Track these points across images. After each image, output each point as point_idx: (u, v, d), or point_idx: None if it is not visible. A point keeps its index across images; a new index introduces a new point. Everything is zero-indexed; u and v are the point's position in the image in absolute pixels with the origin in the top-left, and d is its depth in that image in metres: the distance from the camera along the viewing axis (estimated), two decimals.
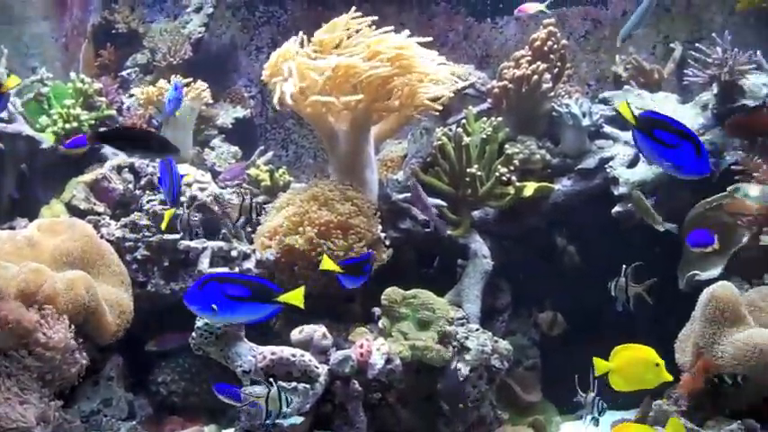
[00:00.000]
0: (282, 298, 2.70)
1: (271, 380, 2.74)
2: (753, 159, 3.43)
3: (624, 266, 3.00)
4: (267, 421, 2.64)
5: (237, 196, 3.37)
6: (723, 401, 2.89)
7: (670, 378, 2.61)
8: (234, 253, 3.48)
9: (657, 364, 2.59)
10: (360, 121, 3.50)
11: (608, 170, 3.90)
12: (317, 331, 3.00)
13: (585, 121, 4.01)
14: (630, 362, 2.64)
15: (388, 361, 2.99)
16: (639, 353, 2.64)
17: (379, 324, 3.23)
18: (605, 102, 4.27)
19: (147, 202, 3.71)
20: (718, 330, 2.78)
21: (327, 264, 2.87)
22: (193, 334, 2.87)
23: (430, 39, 3.58)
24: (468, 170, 3.72)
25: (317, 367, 2.86)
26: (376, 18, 3.54)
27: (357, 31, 3.53)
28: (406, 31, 3.54)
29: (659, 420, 2.91)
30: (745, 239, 3.38)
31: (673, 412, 2.92)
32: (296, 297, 2.71)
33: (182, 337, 3.29)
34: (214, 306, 2.60)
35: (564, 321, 4.07)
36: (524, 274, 4.13)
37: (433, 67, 3.48)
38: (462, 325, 3.32)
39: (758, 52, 3.69)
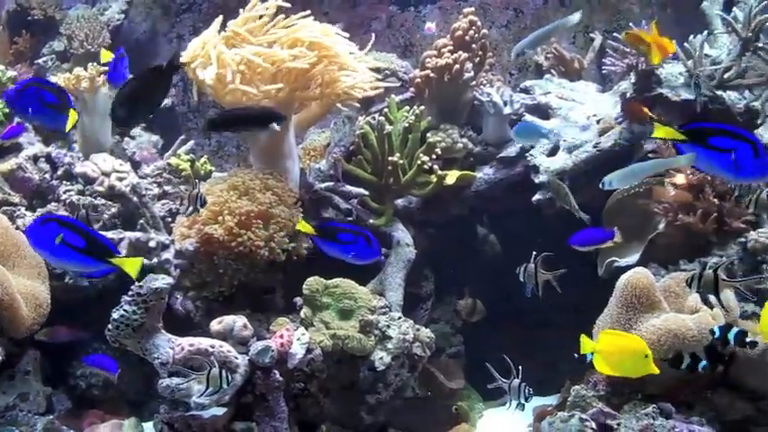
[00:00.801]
0: (117, 260, 2.65)
1: (212, 359, 2.77)
2: (669, 147, 3.48)
3: (534, 253, 3.02)
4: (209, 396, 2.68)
5: (187, 186, 3.31)
6: (640, 385, 2.93)
7: (656, 371, 2.61)
8: (152, 243, 3.43)
9: (647, 356, 2.58)
10: (281, 108, 3.47)
11: (528, 158, 3.93)
12: (237, 322, 2.96)
13: (507, 110, 4.04)
14: (619, 348, 2.64)
15: (309, 351, 2.98)
16: (629, 341, 2.64)
17: (301, 314, 3.21)
18: (527, 91, 4.30)
19: (65, 192, 3.63)
20: (634, 316, 2.82)
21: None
22: (109, 326, 2.82)
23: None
24: (390, 159, 3.72)
25: (236, 358, 2.83)
26: (289, 6, 3.50)
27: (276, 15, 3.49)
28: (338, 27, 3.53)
29: (578, 405, 2.93)
30: (661, 226, 3.43)
31: (591, 397, 2.95)
32: (131, 265, 2.66)
33: (71, 334, 3.26)
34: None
35: (483, 308, 4.09)
36: (448, 261, 4.15)
37: (351, 56, 3.46)
38: (384, 314, 3.32)
39: (674, 41, 3.75)
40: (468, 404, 3.92)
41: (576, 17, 3.43)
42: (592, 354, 2.70)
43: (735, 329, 2.68)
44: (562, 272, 3.09)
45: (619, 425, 2.75)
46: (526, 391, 2.83)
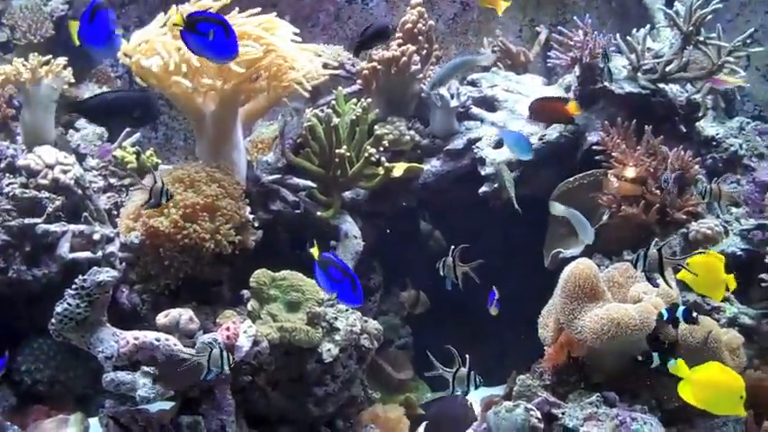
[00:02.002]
0: None
1: (212, 340, 2.81)
2: (613, 139, 3.53)
3: (452, 247, 3.03)
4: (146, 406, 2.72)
5: (149, 179, 3.26)
6: (584, 375, 2.98)
7: (744, 414, 2.61)
8: (96, 236, 3.38)
9: (741, 397, 2.53)
10: (227, 101, 3.45)
11: (475, 151, 3.96)
12: (184, 315, 2.94)
13: (454, 103, 4.06)
14: (715, 383, 2.55)
15: (256, 343, 2.96)
16: (729, 378, 2.56)
17: (248, 306, 3.19)
18: (474, 83, 4.33)
19: (8, 185, 3.57)
20: (578, 306, 2.85)
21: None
22: (53, 320, 2.79)
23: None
24: (337, 151, 3.71)
25: (182, 351, 2.82)
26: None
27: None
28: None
29: (523, 394, 2.97)
30: (605, 217, 3.48)
31: (537, 386, 2.98)
32: None
33: None
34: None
35: (427, 300, 4.11)
36: (395, 253, 4.17)
37: (297, 50, 3.44)
38: (332, 306, 3.32)
39: (617, 35, 3.80)
40: (418, 395, 3.94)
41: (487, 58, 3.51)
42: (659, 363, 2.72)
43: (681, 308, 2.73)
44: (479, 262, 3.10)
45: (563, 414, 2.79)
46: (476, 379, 2.84)
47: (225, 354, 2.71)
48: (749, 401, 3.01)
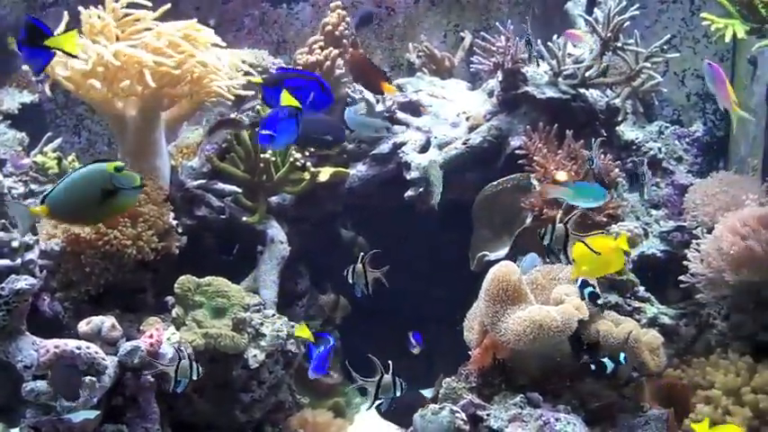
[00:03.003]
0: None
1: (181, 348, 2.82)
2: (535, 144, 3.57)
3: (362, 254, 3.03)
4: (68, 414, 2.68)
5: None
6: (509, 376, 3.00)
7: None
8: (15, 243, 3.31)
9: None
10: (149, 106, 3.41)
11: (401, 155, 3.98)
12: (106, 322, 2.90)
13: (379, 107, 4.07)
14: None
15: (180, 350, 2.94)
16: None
17: (173, 313, 3.16)
18: (399, 88, 4.34)
19: None
20: (502, 308, 2.87)
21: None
22: None
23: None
24: (262, 156, 3.70)
25: (104, 359, 2.77)
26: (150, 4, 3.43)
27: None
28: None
29: (449, 397, 2.98)
30: (528, 221, 3.52)
31: (462, 389, 3.00)
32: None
33: None
34: None
35: (348, 304, 4.12)
36: (321, 258, 4.16)
37: (217, 58, 3.41)
38: (258, 311, 3.31)
39: (539, 41, 3.85)
40: (346, 399, 3.94)
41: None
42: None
43: (589, 288, 2.79)
44: (387, 268, 3.11)
45: (488, 415, 2.81)
46: (402, 385, 2.84)
47: (194, 364, 2.73)
48: (669, 400, 3.10)
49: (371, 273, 3.02)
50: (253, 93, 3.69)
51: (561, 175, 3.45)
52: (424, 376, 3.82)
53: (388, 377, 2.75)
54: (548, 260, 3.14)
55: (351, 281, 3.06)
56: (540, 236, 2.74)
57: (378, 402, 2.83)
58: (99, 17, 3.31)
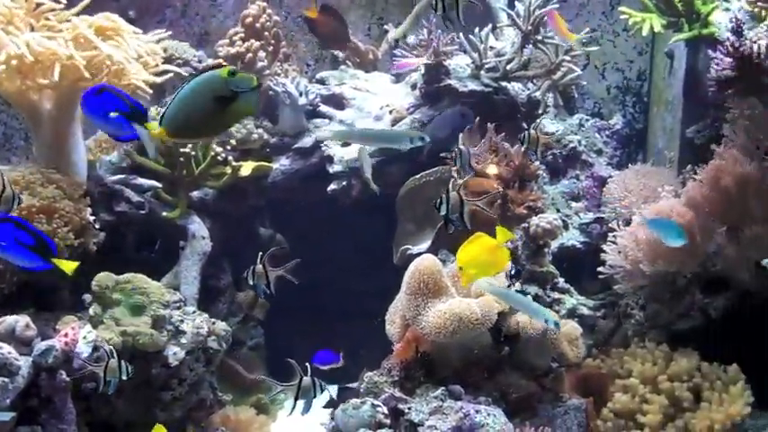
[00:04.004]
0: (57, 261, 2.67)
1: (112, 349, 2.78)
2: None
3: (261, 253, 3.01)
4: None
5: None
6: (431, 369, 3.02)
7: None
8: None
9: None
10: (65, 99, 3.33)
11: (323, 149, 3.97)
12: (20, 321, 2.82)
13: (302, 101, 4.05)
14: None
15: (96, 349, 2.88)
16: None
17: (90, 311, 3.10)
18: (322, 81, 4.34)
19: None
20: (422, 302, 2.88)
21: None
22: None
23: None
24: (182, 150, 3.65)
25: (16, 360, 2.70)
26: None
27: None
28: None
29: (371, 391, 2.99)
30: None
31: (384, 382, 3.00)
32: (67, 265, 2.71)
33: None
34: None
35: (266, 302, 4.09)
36: (244, 253, 4.13)
37: (135, 50, 3.35)
38: (179, 308, 3.26)
39: (461, 34, 3.87)
40: (270, 396, 3.92)
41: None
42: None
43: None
44: (296, 262, 3.08)
45: (410, 409, 2.82)
46: (321, 386, 2.82)
47: (123, 363, 2.69)
48: (588, 390, 3.15)
49: (273, 271, 2.98)
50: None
51: (492, 169, 3.46)
52: (349, 370, 3.81)
53: (307, 379, 2.72)
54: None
55: (251, 282, 3.01)
56: (436, 207, 2.71)
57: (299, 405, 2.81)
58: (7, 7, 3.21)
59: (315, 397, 2.77)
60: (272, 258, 2.95)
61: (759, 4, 2.97)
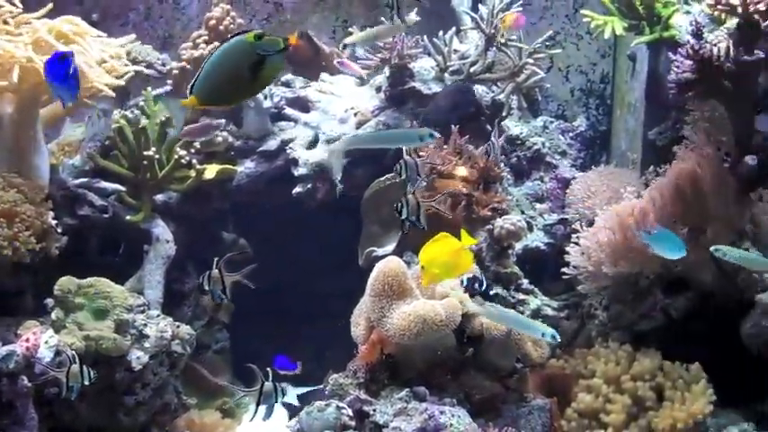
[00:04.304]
0: None
1: (73, 353, 2.73)
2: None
3: (216, 258, 3.00)
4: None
5: None
6: (396, 371, 3.02)
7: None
8: None
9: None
10: (26, 102, 3.30)
11: (288, 152, 3.96)
12: None
13: (267, 103, 4.05)
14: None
15: (58, 353, 2.86)
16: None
17: (52, 316, 3.07)
18: (287, 84, 4.33)
19: None
20: (387, 303, 2.88)
21: None
22: None
23: None
24: (146, 153, 3.63)
25: None
26: None
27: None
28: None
29: (336, 393, 2.98)
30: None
31: (349, 384, 3.00)
32: None
33: None
34: None
35: (231, 304, 4.08)
36: (209, 256, 4.11)
37: (98, 53, 3.33)
38: (142, 312, 3.24)
39: (425, 37, 3.88)
40: (235, 400, 3.91)
41: None
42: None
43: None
44: (252, 267, 3.07)
45: (375, 410, 2.82)
46: (283, 390, 2.81)
47: (85, 368, 2.67)
48: (552, 390, 3.17)
49: (229, 277, 2.97)
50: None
51: (461, 171, 3.47)
52: (315, 372, 3.82)
53: (269, 384, 2.72)
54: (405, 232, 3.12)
55: (207, 287, 3.00)
56: (397, 211, 2.79)
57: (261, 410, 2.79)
58: None
59: (276, 402, 2.76)
60: (230, 263, 2.94)
61: (719, 7, 2.99)
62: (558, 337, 2.72)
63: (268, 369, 2.75)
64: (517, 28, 3.71)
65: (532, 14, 4.82)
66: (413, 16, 3.64)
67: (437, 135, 2.80)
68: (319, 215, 3.98)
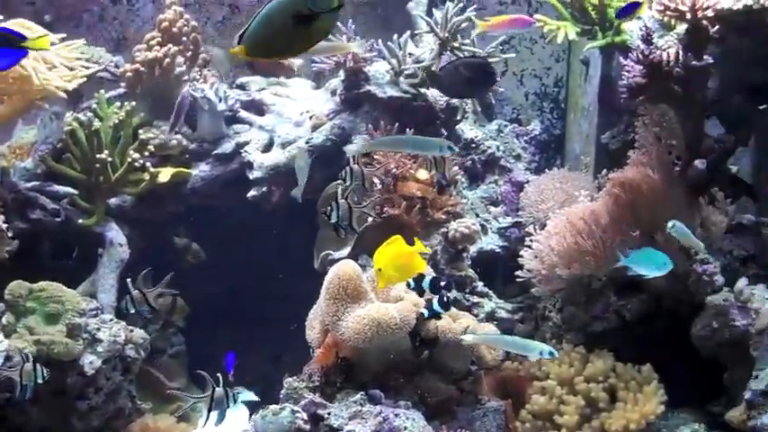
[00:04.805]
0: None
1: (27, 353, 2.73)
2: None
3: (128, 279, 2.99)
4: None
5: None
6: (351, 374, 3.02)
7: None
8: None
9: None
10: None
11: (243, 155, 3.95)
12: None
13: (221, 106, 4.02)
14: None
15: (8, 358, 2.83)
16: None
17: (3, 320, 3.04)
18: (242, 87, 4.31)
19: None
20: (342, 307, 2.88)
21: None
22: None
23: None
24: (98, 156, 3.60)
25: None
26: None
27: None
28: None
29: (291, 397, 2.97)
30: (370, 219, 3.53)
31: (304, 388, 3.00)
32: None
33: None
34: None
35: (186, 306, 4.06)
36: (163, 259, 4.09)
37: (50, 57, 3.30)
38: (95, 316, 3.22)
39: (380, 40, 3.89)
40: (186, 407, 3.88)
41: None
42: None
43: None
44: (170, 275, 3.07)
45: (329, 414, 2.81)
46: (234, 396, 2.81)
47: (38, 367, 2.66)
48: (507, 392, 3.19)
49: (150, 293, 2.97)
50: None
51: (422, 174, 3.47)
52: (271, 376, 3.81)
53: (220, 390, 2.71)
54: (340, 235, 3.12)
55: (132, 310, 3.01)
56: (326, 215, 2.85)
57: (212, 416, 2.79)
58: None
59: (228, 407, 2.76)
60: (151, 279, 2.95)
61: (668, 12, 3.04)
62: (556, 353, 2.74)
63: (219, 375, 2.75)
64: (523, 26, 3.68)
65: (485, 19, 4.84)
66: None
67: (456, 149, 2.81)
68: (275, 218, 3.97)
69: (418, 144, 3.20)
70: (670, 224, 2.83)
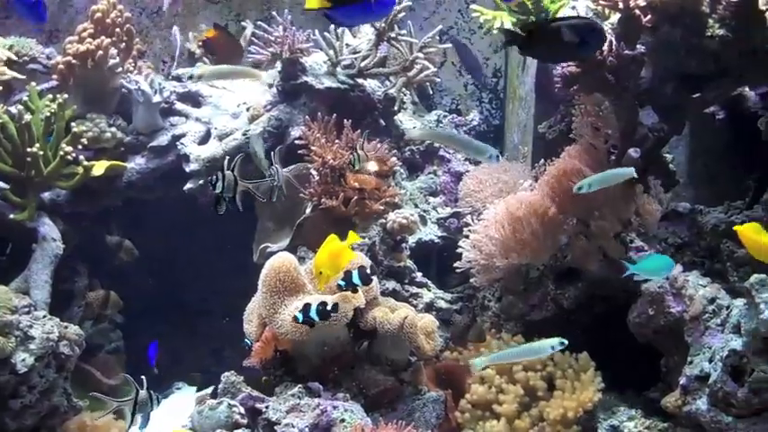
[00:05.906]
0: None
1: None
2: (313, 134, 3.57)
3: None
4: None
5: None
6: (290, 367, 3.01)
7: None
8: None
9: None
10: None
11: (179, 147, 3.90)
12: None
13: (156, 98, 3.97)
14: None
15: None
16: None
17: None
18: (179, 79, 4.26)
19: None
20: (279, 299, 2.87)
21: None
22: None
23: None
24: (29, 150, 3.53)
25: None
26: None
27: None
28: None
29: (228, 391, 2.96)
30: (308, 211, 3.52)
31: (241, 382, 2.98)
32: None
33: None
34: None
35: (119, 300, 4.01)
36: (98, 254, 4.04)
37: None
38: (28, 313, 3.14)
39: (317, 31, 3.86)
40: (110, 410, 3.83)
41: None
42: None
43: (356, 272, 2.81)
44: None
45: (267, 408, 2.80)
46: (158, 398, 2.77)
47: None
48: (447, 382, 3.20)
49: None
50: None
51: (372, 166, 3.45)
52: (214, 369, 3.78)
53: (143, 393, 2.68)
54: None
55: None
56: (211, 184, 2.85)
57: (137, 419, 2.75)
58: None
59: (152, 410, 2.73)
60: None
61: (602, 2, 3.06)
62: (565, 342, 2.76)
63: (143, 377, 2.72)
64: None
65: (424, 9, 4.86)
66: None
67: (502, 159, 2.78)
68: (213, 211, 3.93)
69: (469, 145, 3.19)
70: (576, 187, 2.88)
